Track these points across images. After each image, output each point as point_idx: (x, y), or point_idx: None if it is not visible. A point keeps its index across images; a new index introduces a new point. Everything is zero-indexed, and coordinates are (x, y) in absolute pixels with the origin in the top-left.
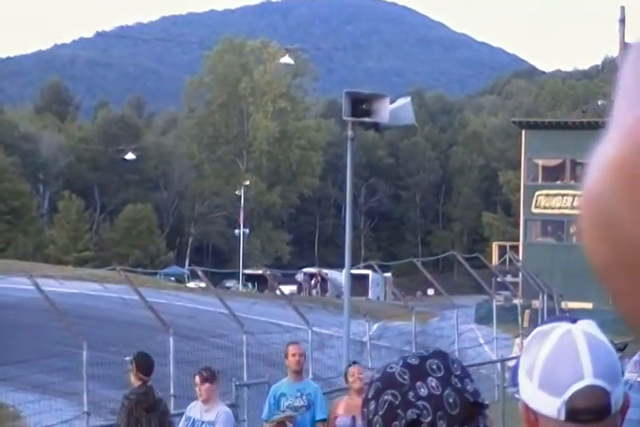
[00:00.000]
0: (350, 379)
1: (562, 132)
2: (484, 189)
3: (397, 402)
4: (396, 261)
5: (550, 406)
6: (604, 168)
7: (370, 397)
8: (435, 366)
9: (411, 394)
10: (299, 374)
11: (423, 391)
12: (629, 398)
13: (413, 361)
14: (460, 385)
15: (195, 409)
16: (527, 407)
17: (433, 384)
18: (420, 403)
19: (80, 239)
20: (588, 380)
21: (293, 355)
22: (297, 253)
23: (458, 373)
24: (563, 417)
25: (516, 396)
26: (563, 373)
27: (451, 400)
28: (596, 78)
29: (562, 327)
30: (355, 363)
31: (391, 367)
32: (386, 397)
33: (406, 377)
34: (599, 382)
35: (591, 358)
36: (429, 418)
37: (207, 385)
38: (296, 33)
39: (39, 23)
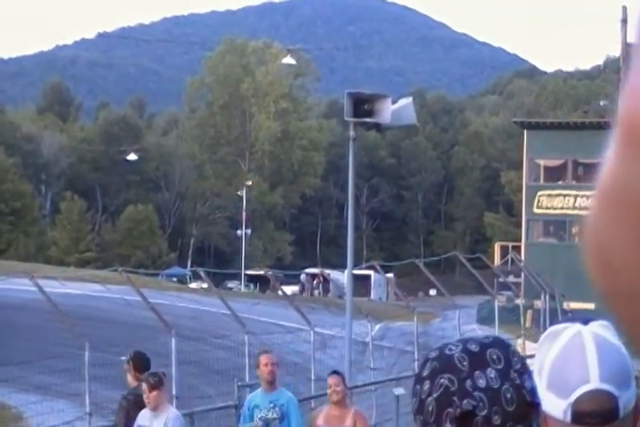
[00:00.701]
0: (328, 390)
1: (563, 132)
2: (486, 189)
3: (454, 388)
4: (398, 261)
5: (557, 407)
6: (597, 197)
7: (425, 375)
8: (495, 357)
9: (468, 383)
10: (272, 384)
11: (481, 382)
12: None
13: (474, 348)
14: (518, 381)
15: (144, 417)
16: (545, 414)
17: (492, 376)
18: (476, 394)
19: (82, 240)
20: (594, 384)
21: (265, 365)
22: (299, 253)
23: (517, 367)
24: (569, 419)
25: None
26: (569, 375)
27: (508, 396)
28: (597, 78)
29: (572, 328)
30: (334, 373)
31: (450, 349)
32: (442, 380)
33: (465, 364)
34: (605, 387)
35: (599, 361)
36: (485, 412)
37: (155, 393)
38: (298, 33)
39: (41, 24)
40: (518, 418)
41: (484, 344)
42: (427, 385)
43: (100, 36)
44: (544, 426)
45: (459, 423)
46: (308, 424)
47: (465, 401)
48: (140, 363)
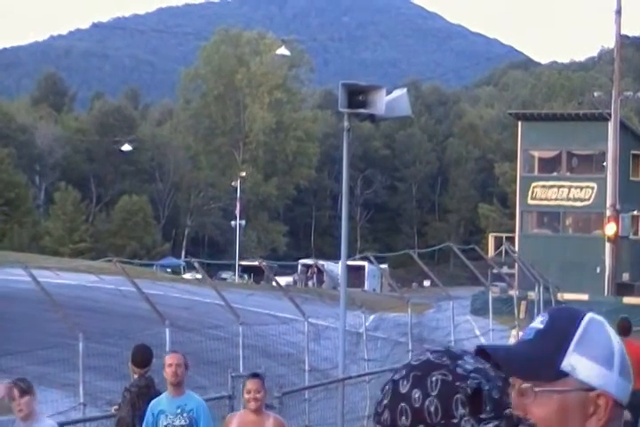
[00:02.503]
0: (246, 396)
1: (558, 123)
2: (480, 180)
3: (451, 378)
4: (392, 252)
5: (627, 391)
6: None
7: (409, 388)
8: (458, 352)
9: (459, 369)
10: (178, 387)
11: (469, 366)
12: None
13: (442, 348)
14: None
15: None
16: (612, 400)
17: (471, 361)
18: (472, 375)
19: (76, 231)
20: None
21: (170, 365)
22: (293, 244)
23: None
24: None
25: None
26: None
27: (493, 374)
28: (592, 70)
29: (592, 315)
30: (255, 376)
31: (420, 357)
32: (434, 378)
33: (445, 359)
34: None
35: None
36: (487, 387)
37: (27, 398)
38: (292, 24)
39: (35, 14)
40: (506, 393)
41: (443, 350)
42: (417, 393)
43: (95, 26)
44: (608, 415)
45: (471, 403)
46: None
47: (468, 381)
48: (137, 355)
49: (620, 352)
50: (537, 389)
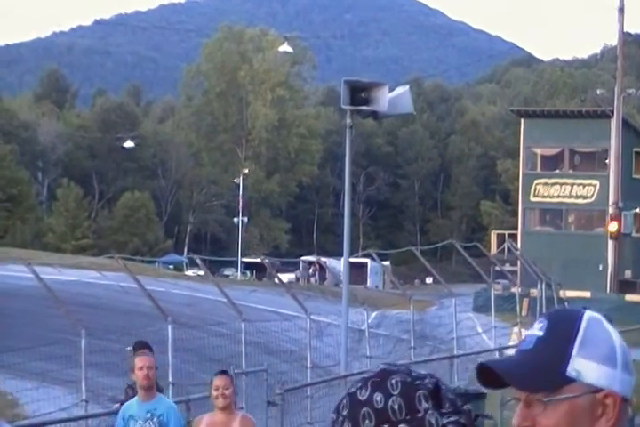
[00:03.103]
0: (214, 393)
1: (560, 120)
2: (483, 177)
3: (409, 379)
4: (394, 249)
5: (630, 385)
6: None
7: (370, 394)
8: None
9: (414, 373)
10: (149, 390)
11: (422, 371)
12: None
13: (389, 364)
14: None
15: None
16: (620, 398)
17: (423, 371)
18: (428, 375)
19: (78, 227)
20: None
21: (140, 368)
22: (295, 241)
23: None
24: None
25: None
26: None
27: (444, 381)
28: (594, 67)
29: (592, 313)
30: (223, 373)
31: (373, 371)
32: (393, 380)
33: (399, 367)
34: None
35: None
36: (443, 386)
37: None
38: (295, 21)
39: (37, 11)
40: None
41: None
42: (379, 396)
43: (97, 23)
44: (617, 414)
45: (433, 398)
46: None
47: (427, 380)
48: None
49: (621, 347)
50: (546, 399)
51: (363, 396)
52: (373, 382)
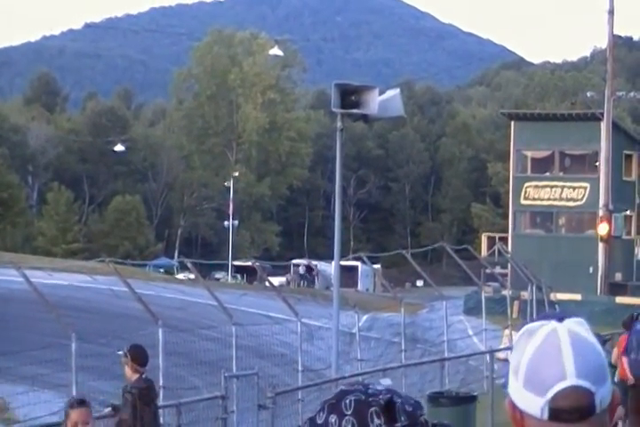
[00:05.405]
0: None
1: (551, 123)
2: (473, 180)
3: (364, 397)
4: (385, 252)
5: (534, 405)
6: None
7: (326, 417)
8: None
9: (370, 390)
10: None
11: (380, 387)
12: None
13: (349, 385)
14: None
15: None
16: (514, 405)
17: (382, 385)
18: (383, 391)
19: (69, 231)
20: (571, 380)
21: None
22: (286, 244)
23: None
24: (546, 417)
25: (504, 391)
26: (546, 373)
27: (405, 395)
28: (584, 70)
29: (548, 326)
30: (80, 404)
31: (333, 392)
32: (347, 400)
33: (357, 386)
34: (582, 383)
35: (574, 357)
36: (400, 400)
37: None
38: (285, 24)
39: (28, 14)
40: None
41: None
42: (333, 418)
43: (88, 26)
44: (520, 426)
45: (386, 414)
46: None
47: (380, 396)
48: (139, 355)
49: (531, 365)
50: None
51: (320, 419)
52: (330, 404)
